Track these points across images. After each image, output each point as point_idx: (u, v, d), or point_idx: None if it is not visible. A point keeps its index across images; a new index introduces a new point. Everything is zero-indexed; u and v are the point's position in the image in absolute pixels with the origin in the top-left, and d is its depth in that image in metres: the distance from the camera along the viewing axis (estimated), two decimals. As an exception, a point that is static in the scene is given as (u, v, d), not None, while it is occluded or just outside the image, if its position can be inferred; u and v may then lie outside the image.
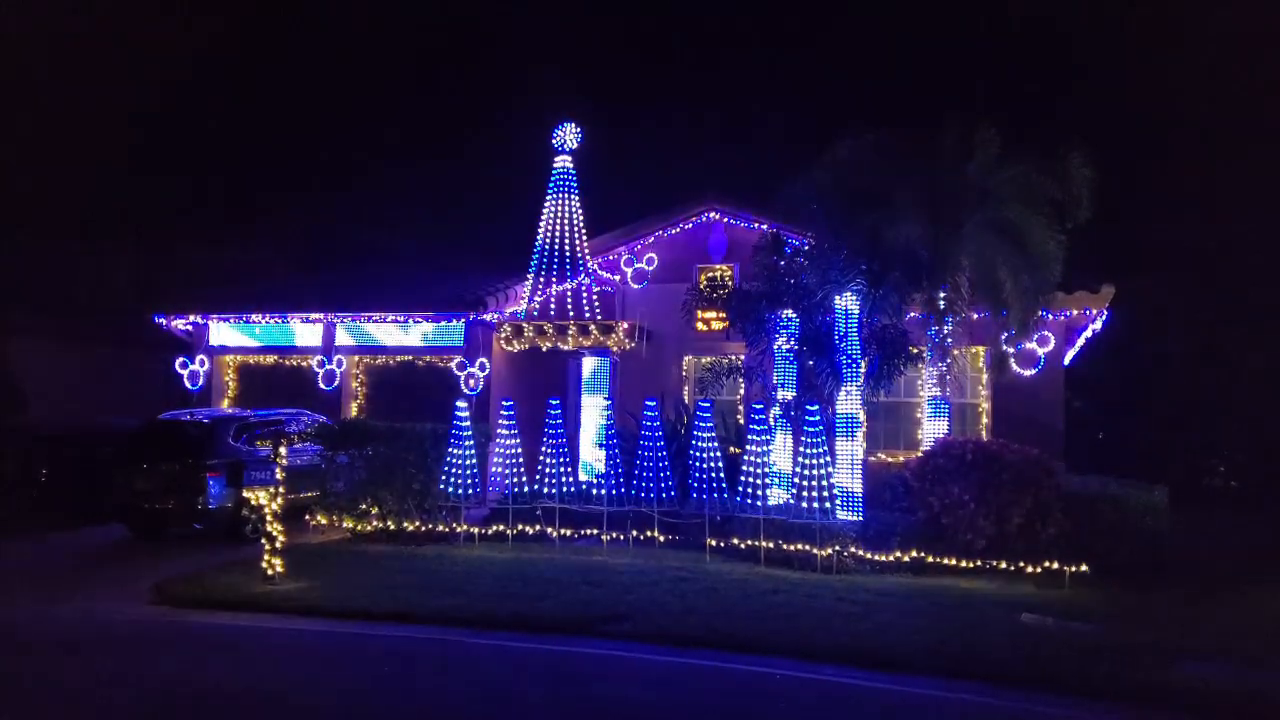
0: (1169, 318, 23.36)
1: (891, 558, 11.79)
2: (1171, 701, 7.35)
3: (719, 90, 41.71)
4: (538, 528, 13.55)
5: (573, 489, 13.84)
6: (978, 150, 13.08)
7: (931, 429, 14.09)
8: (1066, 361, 17.67)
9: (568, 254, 16.02)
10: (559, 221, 16.13)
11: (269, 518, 11.00)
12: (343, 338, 18.36)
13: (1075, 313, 16.42)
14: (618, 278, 18.58)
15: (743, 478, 12.67)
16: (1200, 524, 14.72)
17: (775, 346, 13.92)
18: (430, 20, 42.56)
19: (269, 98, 37.43)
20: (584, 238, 16.37)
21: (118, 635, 9.11)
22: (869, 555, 11.86)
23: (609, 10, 46.64)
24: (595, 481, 14.12)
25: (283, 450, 11.41)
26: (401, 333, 18.05)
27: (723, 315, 15.67)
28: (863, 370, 13.17)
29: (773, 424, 13.35)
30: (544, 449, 13.82)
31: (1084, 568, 11.32)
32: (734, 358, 14.92)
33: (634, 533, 13.22)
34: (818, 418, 12.36)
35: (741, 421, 16.64)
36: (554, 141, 16.30)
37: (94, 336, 23.74)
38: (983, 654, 8.28)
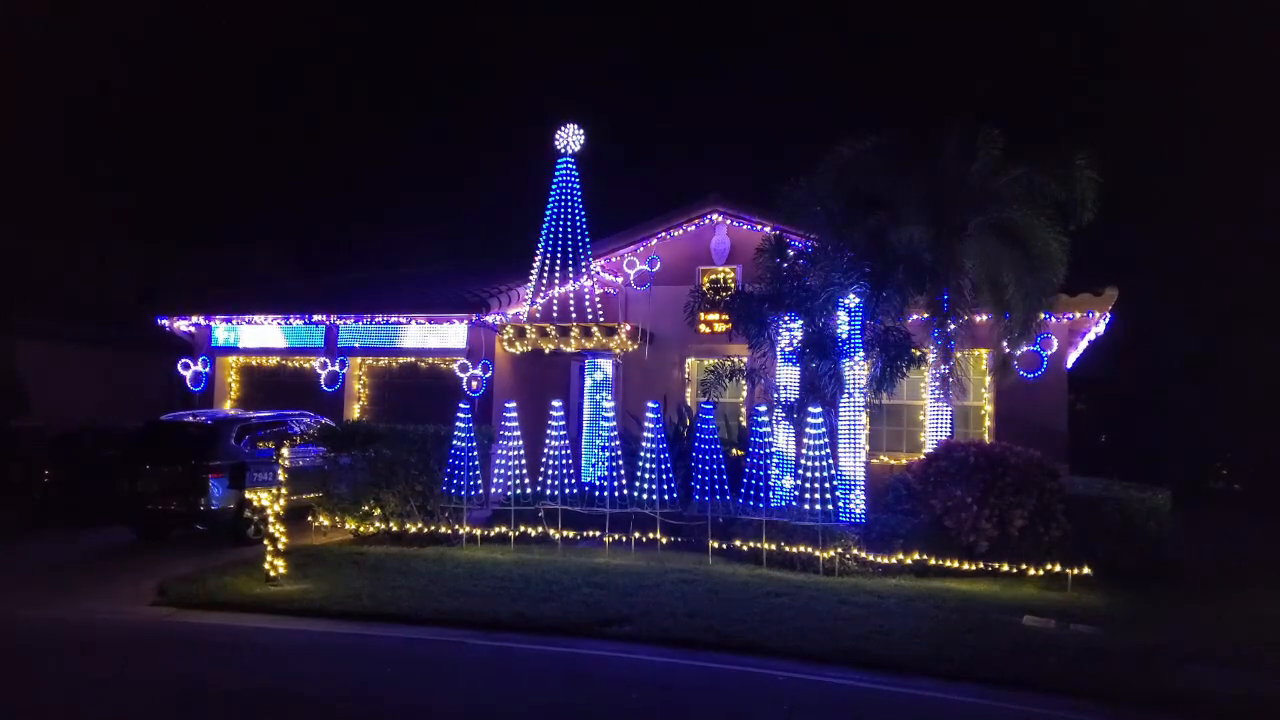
0: (1172, 320, 23.35)
1: (894, 560, 11.79)
2: (1174, 705, 7.33)
3: (723, 92, 41.75)
4: (540, 529, 13.55)
5: (575, 491, 13.83)
6: (980, 152, 13.07)
7: (934, 431, 14.08)
8: (1069, 364, 17.66)
9: (570, 256, 16.02)
10: (561, 223, 16.14)
11: (271, 519, 11.00)
12: (345, 339, 18.37)
13: (1078, 315, 16.41)
14: (620, 279, 18.59)
15: (745, 480, 12.67)
16: (1203, 526, 14.71)
17: (778, 349, 13.91)
18: (435, 22, 42.64)
19: (273, 100, 37.49)
20: (587, 239, 16.38)
21: (120, 636, 9.12)
22: (871, 558, 11.85)
23: (613, 12, 46.71)
24: (598, 483, 14.11)
25: (285, 451, 11.42)
26: (404, 334, 18.05)
27: (725, 317, 15.66)
28: (865, 373, 13.17)
29: (775, 426, 13.35)
30: (546, 451, 13.81)
31: (1087, 570, 11.31)
32: (737, 360, 14.91)
33: (636, 535, 13.21)
34: (820, 420, 12.36)
35: (744, 424, 16.64)
36: (557, 143, 16.30)
37: (97, 338, 23.77)
38: (985, 656, 8.27)
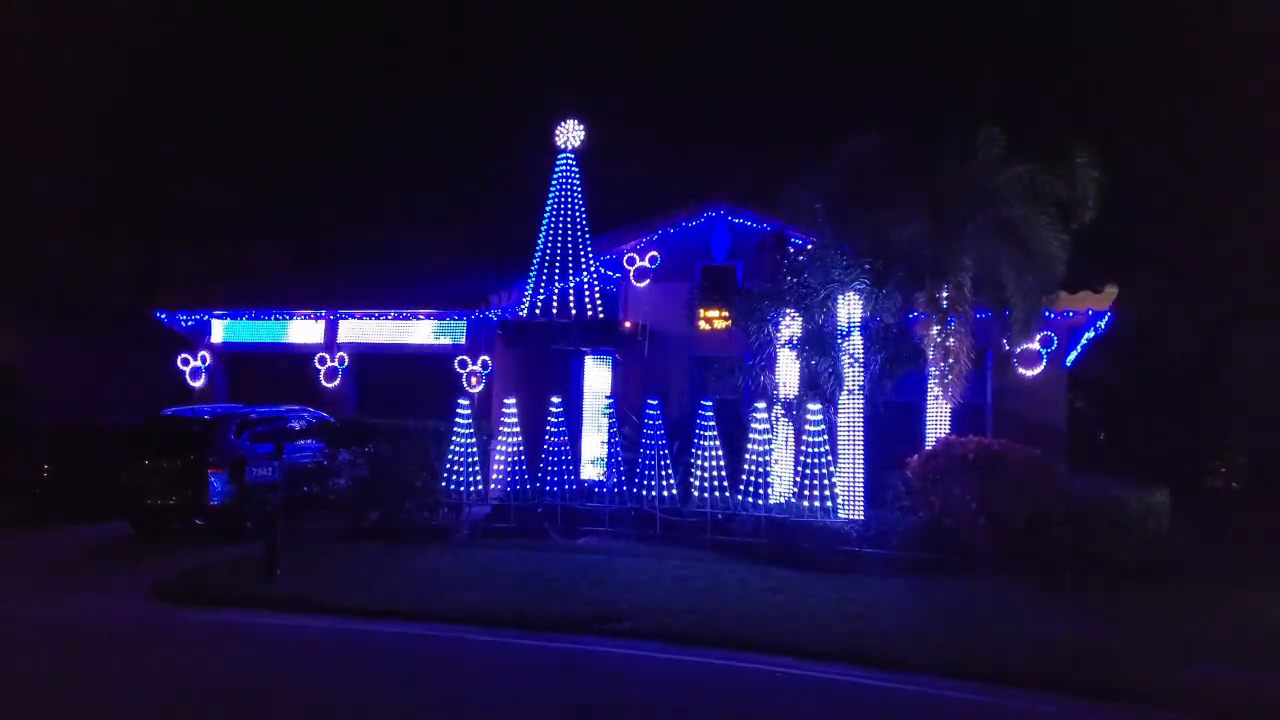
0: (1172, 318, 23.30)
1: (892, 557, 11.78)
2: (1173, 702, 7.35)
3: (723, 88, 41.69)
4: (540, 526, 13.54)
5: (575, 487, 13.84)
6: (981, 150, 13.06)
7: (933, 429, 14.07)
8: (1069, 362, 17.63)
9: (570, 252, 16.01)
10: (562, 219, 16.12)
11: (270, 514, 10.99)
12: (345, 334, 18.37)
13: (1078, 313, 16.38)
14: (620, 275, 18.57)
15: (744, 477, 12.67)
16: (1202, 525, 14.69)
17: (778, 345, 13.91)
18: (435, 16, 42.58)
19: (271, 93, 37.39)
20: (587, 235, 16.36)
21: (118, 631, 9.12)
22: (869, 555, 11.85)
23: (614, 7, 46.64)
24: (597, 480, 14.13)
25: (284, 447, 11.41)
26: (404, 330, 18.05)
27: (725, 314, 15.66)
28: (863, 370, 13.16)
29: (774, 423, 13.35)
30: (546, 447, 13.82)
31: (1085, 568, 11.29)
32: (736, 356, 14.91)
33: (635, 531, 13.21)
34: (819, 417, 12.36)
35: (743, 420, 16.61)
36: (557, 139, 16.28)
37: (96, 333, 23.72)
38: (983, 654, 8.28)
